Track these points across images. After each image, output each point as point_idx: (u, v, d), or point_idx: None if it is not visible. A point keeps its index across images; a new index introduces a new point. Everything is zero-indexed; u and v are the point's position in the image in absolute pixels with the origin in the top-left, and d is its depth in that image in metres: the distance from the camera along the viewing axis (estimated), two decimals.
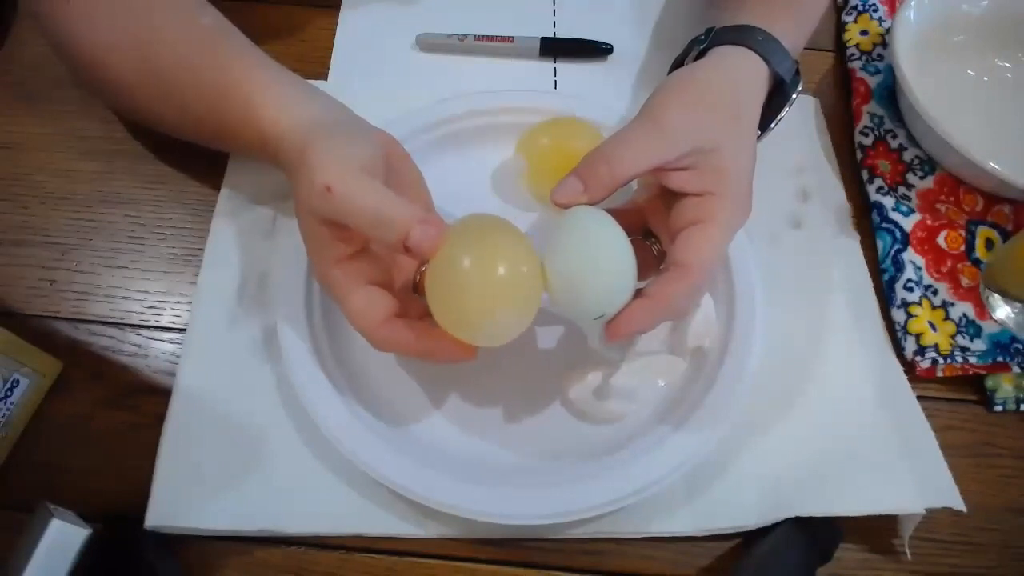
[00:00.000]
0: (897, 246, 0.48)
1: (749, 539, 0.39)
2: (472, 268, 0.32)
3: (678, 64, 0.46)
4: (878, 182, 0.51)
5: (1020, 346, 0.45)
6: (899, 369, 0.45)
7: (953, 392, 0.45)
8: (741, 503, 0.39)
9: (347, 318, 0.34)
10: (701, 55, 0.42)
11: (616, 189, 0.36)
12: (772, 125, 0.44)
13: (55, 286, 0.44)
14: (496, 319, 0.33)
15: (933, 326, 0.45)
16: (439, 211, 0.41)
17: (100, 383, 0.41)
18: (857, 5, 0.61)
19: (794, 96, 0.43)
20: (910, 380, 0.44)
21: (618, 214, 0.35)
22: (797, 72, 0.43)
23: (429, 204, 0.41)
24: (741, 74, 0.41)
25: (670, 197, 0.38)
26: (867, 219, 0.51)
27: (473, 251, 0.32)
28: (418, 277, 0.37)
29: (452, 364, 0.36)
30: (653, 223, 0.40)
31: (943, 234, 0.49)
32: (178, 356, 0.42)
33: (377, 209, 0.32)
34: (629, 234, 0.34)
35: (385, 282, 0.35)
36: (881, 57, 0.57)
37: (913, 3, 0.53)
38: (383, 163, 0.36)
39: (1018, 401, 0.45)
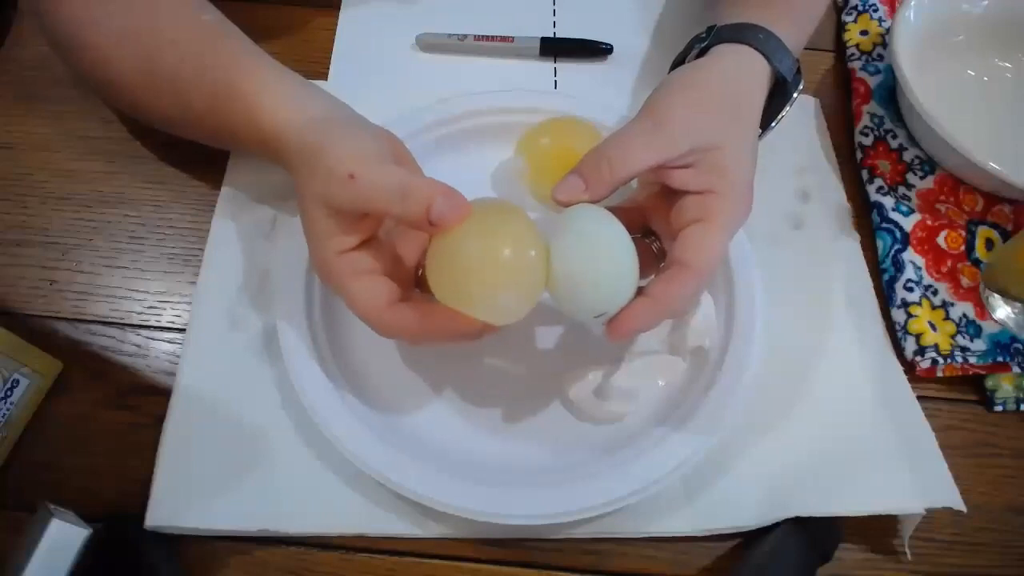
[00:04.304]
0: (897, 246, 0.48)
1: (749, 539, 0.39)
2: (478, 245, 0.32)
3: (679, 62, 0.46)
4: (878, 182, 0.51)
5: (1020, 346, 0.45)
6: (899, 369, 0.45)
7: (953, 392, 0.45)
8: (741, 503, 0.39)
9: (350, 307, 0.34)
10: (702, 53, 0.42)
11: (617, 187, 0.36)
12: (773, 124, 0.44)
13: (55, 286, 0.44)
14: (499, 295, 0.33)
15: (933, 326, 0.45)
16: None
17: (100, 383, 0.41)
18: (857, 5, 0.61)
19: (795, 95, 0.43)
20: (910, 380, 0.44)
21: (618, 212, 0.35)
22: (798, 71, 0.43)
23: None
24: (742, 72, 0.41)
25: (671, 195, 0.38)
26: (867, 219, 0.51)
27: (478, 229, 0.33)
28: (420, 271, 0.37)
29: (458, 345, 0.35)
30: (654, 221, 0.40)
31: (943, 234, 0.49)
32: (178, 356, 0.41)
33: (402, 184, 0.32)
34: (629, 232, 0.34)
35: (387, 274, 0.35)
36: (881, 57, 0.57)
37: (913, 3, 0.53)
38: (391, 155, 0.36)
39: (1018, 401, 0.45)
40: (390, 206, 0.32)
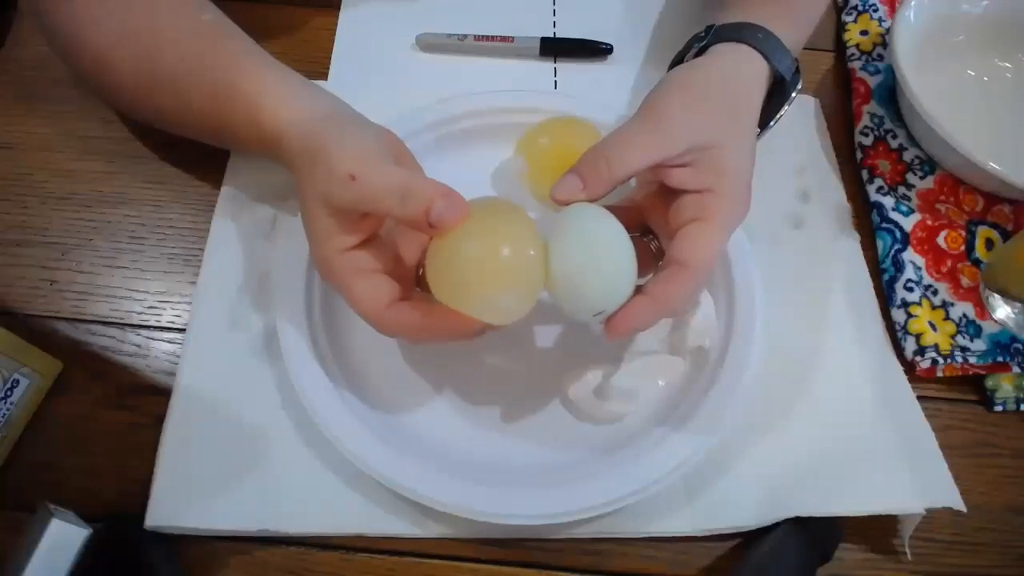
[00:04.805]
0: (897, 246, 0.48)
1: (749, 539, 0.39)
2: (477, 245, 0.32)
3: (678, 61, 0.46)
4: (878, 182, 0.51)
5: (1020, 346, 0.45)
6: (899, 369, 0.45)
7: (953, 392, 0.45)
8: (741, 503, 0.39)
9: (351, 305, 0.34)
10: (701, 52, 0.42)
11: (615, 186, 0.36)
12: (772, 123, 0.44)
13: (55, 286, 0.44)
14: (498, 296, 0.33)
15: (933, 326, 0.45)
16: None
17: (100, 383, 0.41)
18: (857, 5, 0.61)
19: (794, 94, 0.43)
20: (910, 380, 0.44)
21: (617, 211, 0.35)
22: (797, 70, 0.43)
23: None
24: (741, 71, 0.41)
25: (669, 194, 0.38)
26: (867, 219, 0.51)
27: (477, 229, 0.33)
28: (420, 271, 0.37)
29: (459, 343, 0.36)
30: (652, 220, 0.40)
31: (943, 234, 0.49)
32: (178, 356, 0.42)
33: (402, 185, 0.32)
34: (628, 231, 0.34)
35: (388, 273, 0.36)
36: (881, 57, 0.57)
37: (913, 3, 0.53)
38: (392, 155, 0.36)
39: (1018, 401, 0.45)
40: (390, 207, 0.32)
